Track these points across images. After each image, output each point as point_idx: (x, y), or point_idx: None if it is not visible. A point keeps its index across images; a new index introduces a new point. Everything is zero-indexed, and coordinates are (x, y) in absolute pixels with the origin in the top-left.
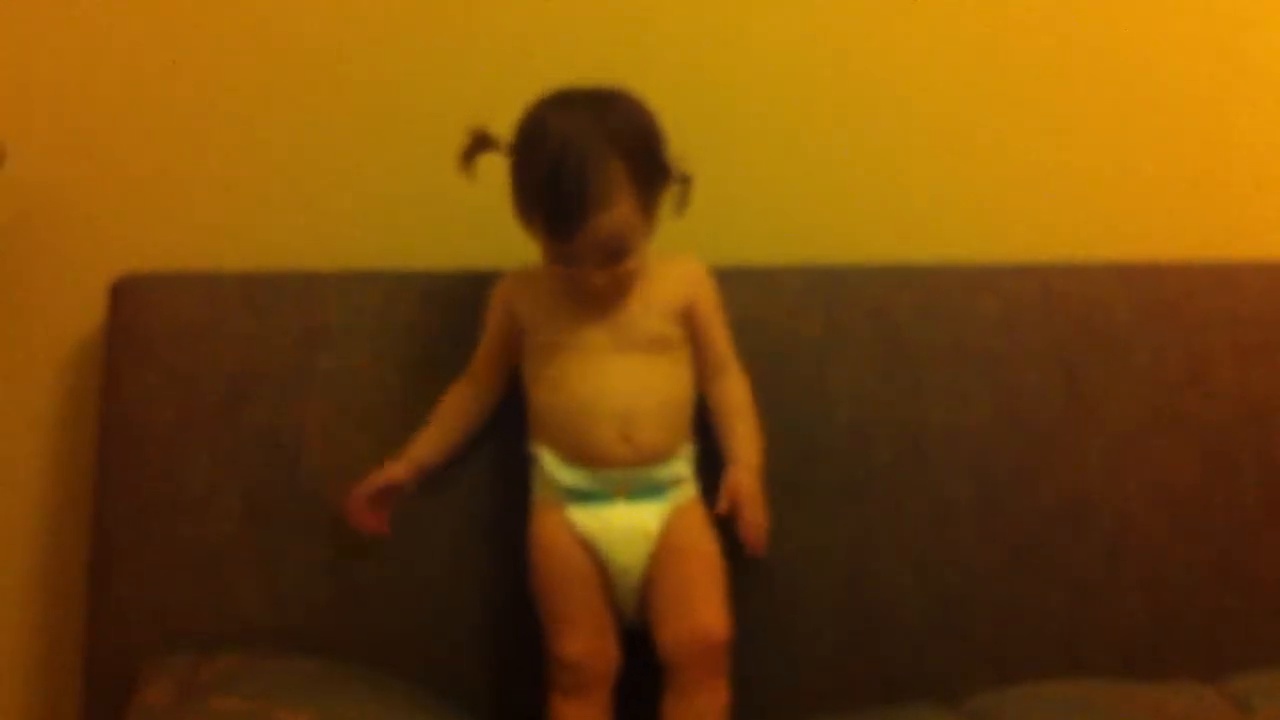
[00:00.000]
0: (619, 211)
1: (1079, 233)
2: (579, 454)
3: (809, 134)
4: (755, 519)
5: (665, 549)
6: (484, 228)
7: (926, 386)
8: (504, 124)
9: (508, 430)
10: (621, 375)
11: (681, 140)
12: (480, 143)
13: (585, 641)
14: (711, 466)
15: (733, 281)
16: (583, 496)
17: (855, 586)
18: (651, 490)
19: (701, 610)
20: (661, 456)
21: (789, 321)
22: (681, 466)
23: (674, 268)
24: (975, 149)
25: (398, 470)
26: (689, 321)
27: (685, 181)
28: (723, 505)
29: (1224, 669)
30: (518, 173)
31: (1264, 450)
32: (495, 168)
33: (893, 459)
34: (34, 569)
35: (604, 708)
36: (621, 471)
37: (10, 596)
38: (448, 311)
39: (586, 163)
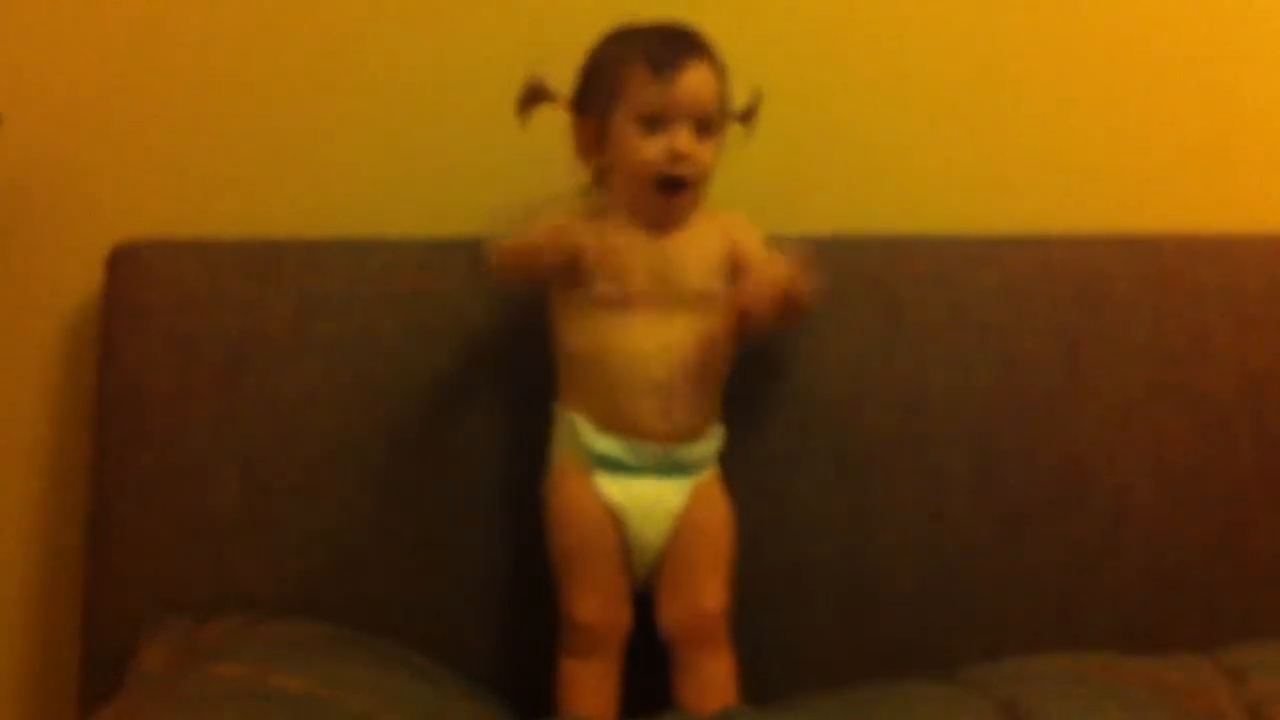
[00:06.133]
0: (715, 71)
1: (1080, 204)
2: (616, 423)
3: (808, 104)
4: (756, 286)
5: (683, 525)
6: (484, 195)
7: (926, 357)
8: (507, 92)
9: (509, 397)
10: (664, 339)
11: None
12: (536, 94)
13: (600, 605)
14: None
15: None
16: (612, 466)
17: (853, 556)
18: (681, 468)
19: (700, 590)
20: (695, 434)
21: None
22: (711, 446)
23: (715, 218)
24: (976, 120)
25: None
26: (737, 267)
27: (748, 116)
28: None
29: (1221, 640)
30: (608, 55)
31: (1262, 421)
32: (501, 136)
33: (891, 430)
34: (33, 536)
35: (612, 670)
36: (658, 447)
37: (9, 564)
38: (447, 279)
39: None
